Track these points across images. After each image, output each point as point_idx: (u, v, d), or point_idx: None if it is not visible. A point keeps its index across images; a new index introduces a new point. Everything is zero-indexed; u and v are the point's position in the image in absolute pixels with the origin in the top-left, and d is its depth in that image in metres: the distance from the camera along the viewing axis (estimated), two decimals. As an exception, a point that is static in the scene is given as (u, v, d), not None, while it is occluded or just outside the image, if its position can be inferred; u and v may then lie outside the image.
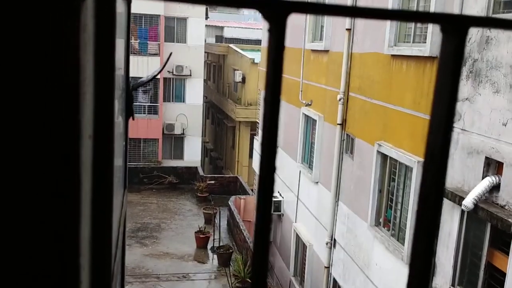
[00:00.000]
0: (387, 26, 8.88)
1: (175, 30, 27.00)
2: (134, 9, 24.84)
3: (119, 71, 1.60)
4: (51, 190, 0.55)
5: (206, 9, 27.92)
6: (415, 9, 8.37)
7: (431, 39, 7.56)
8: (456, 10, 6.99)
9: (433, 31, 7.54)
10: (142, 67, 25.39)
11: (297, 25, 13.79)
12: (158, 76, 25.93)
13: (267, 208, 0.44)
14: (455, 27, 0.45)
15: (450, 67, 0.45)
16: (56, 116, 0.53)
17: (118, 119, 1.47)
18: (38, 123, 0.52)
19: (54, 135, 0.53)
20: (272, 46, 0.40)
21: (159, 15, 26.06)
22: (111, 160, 0.87)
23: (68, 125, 0.53)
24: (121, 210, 1.61)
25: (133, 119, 1.89)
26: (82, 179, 0.59)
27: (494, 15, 6.44)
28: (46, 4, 0.49)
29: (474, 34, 6.66)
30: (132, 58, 26.88)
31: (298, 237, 13.61)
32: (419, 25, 8.31)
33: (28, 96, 0.51)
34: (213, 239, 17.94)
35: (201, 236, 18.15)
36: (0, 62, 0.50)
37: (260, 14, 0.40)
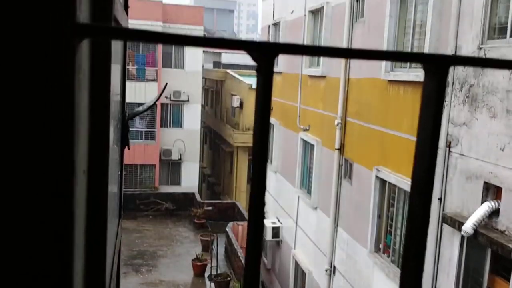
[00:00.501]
0: (383, 52, 8.95)
1: (172, 56, 27.23)
2: (132, 36, 25.05)
3: (115, 102, 1.58)
4: (44, 225, 0.55)
5: (204, 35, 28.20)
6: (410, 35, 8.45)
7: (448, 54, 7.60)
8: (451, 37, 7.06)
9: (429, 57, 7.60)
10: (140, 92, 25.50)
11: (294, 51, 13.91)
12: (156, 102, 26.01)
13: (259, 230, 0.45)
14: (436, 67, 0.47)
15: (432, 104, 0.48)
16: (50, 154, 0.54)
17: (114, 149, 1.45)
18: (32, 160, 0.53)
19: (48, 172, 0.54)
20: (260, 84, 0.42)
21: (157, 42, 26.29)
22: (105, 194, 0.86)
23: (62, 162, 0.54)
24: (115, 240, 1.58)
25: (128, 148, 1.86)
26: (76, 215, 0.59)
27: (489, 41, 6.50)
28: (43, 45, 0.50)
29: (470, 59, 6.70)
30: (129, 84, 27.12)
31: (297, 264, 13.44)
32: (415, 50, 8.39)
33: (23, 135, 0.53)
34: (211, 267, 17.70)
35: (198, 263, 17.91)
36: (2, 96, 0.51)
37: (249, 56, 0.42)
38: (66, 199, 0.55)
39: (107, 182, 0.89)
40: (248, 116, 26.22)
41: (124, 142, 1.79)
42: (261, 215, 0.45)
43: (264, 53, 0.41)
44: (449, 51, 7.12)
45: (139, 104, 25.03)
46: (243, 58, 39.91)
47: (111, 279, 1.32)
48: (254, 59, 0.41)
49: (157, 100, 2.90)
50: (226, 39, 0.41)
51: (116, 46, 1.51)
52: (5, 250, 0.55)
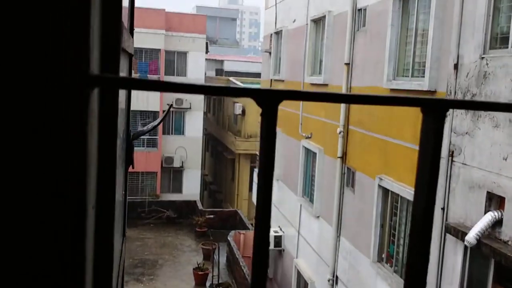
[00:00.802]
0: (386, 61, 8.96)
1: (175, 64, 27.31)
2: (135, 43, 25.20)
3: (121, 122, 1.58)
4: (57, 261, 0.57)
5: (206, 43, 28.33)
6: (412, 44, 8.46)
7: (430, 74, 7.61)
8: (453, 46, 7.05)
9: (431, 66, 7.60)
10: (142, 100, 25.56)
11: (296, 58, 13.95)
12: (158, 109, 26.07)
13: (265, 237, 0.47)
14: (434, 110, 0.49)
15: (431, 144, 0.49)
16: (65, 193, 0.56)
17: (119, 172, 1.46)
18: (50, 201, 0.56)
19: (60, 209, 0.56)
20: (264, 128, 0.44)
21: (160, 49, 26.41)
22: (111, 227, 0.88)
23: (75, 200, 0.57)
24: (119, 260, 1.57)
25: (133, 167, 1.85)
26: (87, 251, 0.61)
27: (491, 50, 6.49)
28: (57, 93, 0.53)
29: (472, 69, 6.70)
30: (132, 92, 27.17)
31: (299, 274, 13.38)
32: (417, 59, 8.39)
33: (38, 176, 0.55)
34: (212, 276, 17.63)
35: (200, 272, 17.85)
36: (13, 143, 0.54)
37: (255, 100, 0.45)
38: (79, 237, 0.57)
39: (113, 214, 0.91)
40: (250, 124, 26.25)
41: (128, 161, 1.79)
42: (267, 236, 0.45)
43: (269, 100, 0.43)
44: (450, 60, 7.12)
45: (141, 112, 25.13)
46: (245, 65, 40.01)
47: None
48: (259, 104, 0.43)
49: (161, 121, 2.91)
50: (234, 88, 0.44)
51: (124, 63, 1.51)
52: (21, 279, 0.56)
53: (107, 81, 0.56)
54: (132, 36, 1.89)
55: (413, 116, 8.15)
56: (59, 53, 0.53)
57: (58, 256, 0.57)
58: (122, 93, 1.58)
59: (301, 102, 13.38)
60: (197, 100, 27.75)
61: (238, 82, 28.96)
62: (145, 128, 2.71)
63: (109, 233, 0.89)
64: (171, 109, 27.07)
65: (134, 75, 26.17)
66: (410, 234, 0.52)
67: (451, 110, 7.14)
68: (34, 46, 0.52)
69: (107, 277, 0.89)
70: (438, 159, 0.50)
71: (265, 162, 0.43)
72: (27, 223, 0.55)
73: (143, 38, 25.49)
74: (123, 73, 1.56)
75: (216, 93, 0.43)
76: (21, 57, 0.52)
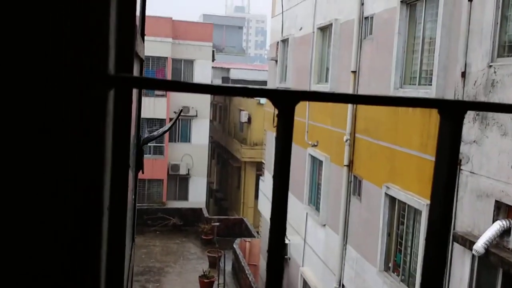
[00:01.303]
0: (393, 69, 8.95)
1: (182, 72, 27.43)
2: (142, 52, 25.32)
3: (132, 128, 1.60)
4: (79, 266, 0.58)
5: (213, 51, 28.45)
6: (419, 52, 8.45)
7: (437, 82, 7.59)
8: (460, 54, 7.04)
9: (438, 74, 7.58)
10: (149, 108, 25.65)
11: (303, 66, 13.96)
12: (165, 117, 26.15)
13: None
14: (452, 111, 0.48)
15: (448, 147, 0.49)
16: (82, 194, 0.57)
17: (130, 175, 1.48)
18: (68, 200, 0.56)
19: (78, 209, 0.57)
20: (281, 129, 0.45)
21: (167, 57, 26.54)
22: (123, 228, 0.89)
23: (93, 202, 0.58)
24: (129, 265, 1.57)
25: (142, 172, 1.86)
26: (102, 249, 0.63)
27: (499, 59, 6.47)
28: (77, 93, 0.54)
29: (480, 77, 6.68)
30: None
31: (305, 282, 13.31)
32: (424, 67, 8.38)
33: (55, 176, 0.56)
34: (218, 284, 17.57)
35: (205, 280, 17.79)
36: (34, 143, 0.55)
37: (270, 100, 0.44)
38: (96, 238, 0.58)
39: (126, 217, 0.92)
40: (256, 131, 26.25)
41: (138, 166, 1.80)
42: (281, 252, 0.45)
43: (286, 100, 0.43)
44: (458, 69, 7.10)
45: (148, 120, 25.21)
46: (251, 73, 40.12)
47: None
48: (275, 106, 0.43)
49: (172, 126, 2.92)
50: (250, 88, 0.43)
51: (137, 67, 1.52)
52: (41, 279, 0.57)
53: (125, 81, 0.57)
54: (143, 42, 1.92)
55: (420, 124, 8.12)
56: (79, 53, 0.54)
57: (75, 256, 0.57)
58: (133, 99, 1.60)
59: (307, 110, 13.38)
60: (204, 108, 27.83)
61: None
62: (155, 133, 2.72)
63: (122, 235, 0.89)
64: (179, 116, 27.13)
65: (141, 82, 26.28)
66: (426, 239, 0.51)
67: (458, 118, 7.13)
68: (54, 46, 0.53)
69: (119, 280, 0.89)
70: (456, 161, 0.49)
71: (281, 164, 0.42)
72: (44, 225, 0.56)
73: (150, 46, 25.63)
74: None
75: (231, 93, 0.43)
76: (40, 58, 0.53)
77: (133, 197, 1.84)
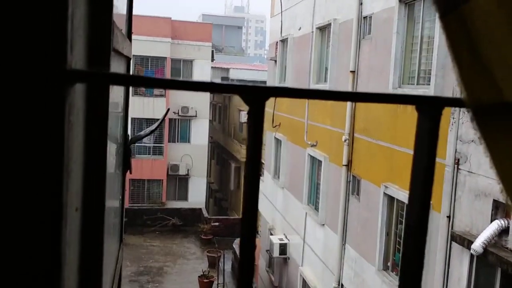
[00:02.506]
0: (391, 68, 8.95)
1: (181, 72, 27.42)
2: (141, 51, 25.38)
3: (116, 126, 1.58)
4: (31, 262, 0.56)
5: (212, 51, 28.45)
6: (418, 52, 8.45)
7: (435, 81, 7.59)
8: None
9: (436, 73, 7.59)
10: (148, 108, 25.65)
11: (302, 66, 13.97)
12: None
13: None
14: (429, 108, 0.49)
15: (426, 143, 0.49)
16: (40, 193, 0.55)
17: (114, 176, 1.46)
18: (20, 197, 0.55)
19: (36, 208, 0.55)
20: (251, 125, 0.43)
21: (166, 58, 26.54)
22: (101, 230, 0.87)
23: (50, 199, 0.56)
24: (115, 266, 1.56)
25: (130, 172, 1.86)
26: (66, 251, 0.61)
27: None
28: (34, 92, 0.53)
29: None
30: (138, 100, 27.13)
31: (304, 282, 13.31)
32: (423, 67, 8.38)
33: (12, 174, 0.54)
34: (217, 284, 17.58)
35: (205, 280, 17.80)
36: None
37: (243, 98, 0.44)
38: (55, 239, 0.56)
39: (103, 216, 0.91)
40: (256, 132, 26.25)
41: (126, 166, 1.79)
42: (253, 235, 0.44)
43: (256, 97, 0.43)
44: (456, 68, 7.10)
45: (147, 120, 25.21)
46: (251, 73, 40.15)
47: None
48: (246, 102, 0.42)
49: (158, 125, 2.91)
50: (220, 84, 0.43)
51: (120, 65, 1.51)
52: None
53: (87, 77, 0.55)
54: (130, 41, 1.91)
55: (419, 123, 8.11)
56: (32, 46, 0.52)
57: (33, 257, 0.56)
58: (118, 96, 1.59)
59: (306, 110, 13.39)
60: (203, 108, 27.83)
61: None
62: (142, 132, 2.72)
63: (99, 236, 0.88)
64: (177, 117, 27.16)
65: (140, 83, 26.28)
66: (404, 236, 0.51)
67: (456, 117, 7.09)
68: (5, 40, 0.52)
69: (96, 281, 0.88)
70: (434, 158, 0.49)
71: (252, 162, 0.42)
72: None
73: (149, 46, 25.64)
74: (121, 71, 1.55)
75: (201, 89, 0.42)
76: None
77: (121, 197, 1.83)
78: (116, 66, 1.41)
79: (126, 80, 0.41)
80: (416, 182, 0.49)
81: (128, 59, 1.81)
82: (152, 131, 2.70)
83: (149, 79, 0.42)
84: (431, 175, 0.49)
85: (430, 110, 0.49)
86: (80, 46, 0.69)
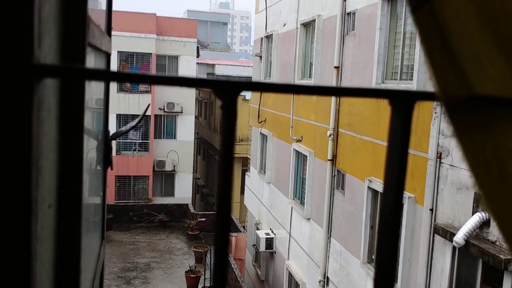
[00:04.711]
0: (375, 64, 9.05)
1: (166, 68, 27.28)
2: (126, 48, 25.20)
3: (97, 121, 1.60)
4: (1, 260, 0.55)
5: (197, 47, 28.34)
6: (401, 47, 8.55)
7: (418, 76, 7.70)
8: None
9: (419, 69, 7.69)
10: (134, 104, 25.50)
11: (287, 62, 14.02)
12: (150, 113, 26.02)
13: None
14: (402, 102, 0.48)
15: (399, 137, 0.48)
16: (5, 192, 0.54)
17: (93, 172, 1.47)
18: None
19: (3, 210, 0.54)
20: (224, 119, 0.44)
21: (151, 53, 26.39)
22: (77, 226, 0.87)
23: (18, 202, 0.54)
24: (96, 263, 1.58)
25: (111, 169, 1.88)
26: (38, 251, 0.59)
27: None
28: None
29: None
30: (123, 96, 26.85)
31: (290, 275, 13.41)
32: (405, 62, 8.49)
33: None
34: (204, 279, 17.62)
35: (192, 275, 17.82)
36: None
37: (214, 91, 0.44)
38: (24, 235, 0.55)
39: (80, 213, 0.89)
40: (241, 127, 26.24)
41: (107, 162, 1.80)
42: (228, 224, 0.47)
43: (228, 91, 0.43)
44: (438, 63, 7.21)
45: (133, 116, 25.05)
46: (236, 69, 40.09)
47: None
48: (218, 96, 0.43)
49: (139, 121, 2.93)
50: (192, 79, 0.43)
51: (98, 61, 1.53)
52: None
53: (54, 71, 0.53)
54: (110, 37, 1.89)
55: (402, 118, 8.22)
56: None
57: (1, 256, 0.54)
58: (97, 92, 1.60)
59: (291, 106, 13.46)
60: (189, 104, 27.74)
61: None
62: (123, 128, 2.74)
63: (75, 233, 0.87)
64: (163, 113, 27.04)
65: (125, 79, 26.10)
66: (378, 231, 0.51)
67: (438, 112, 7.20)
68: None
69: (74, 278, 0.87)
70: (406, 153, 0.49)
71: (225, 156, 0.43)
72: None
73: (134, 42, 25.47)
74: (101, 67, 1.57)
75: (173, 84, 0.43)
76: None
77: (102, 193, 1.83)
78: (94, 62, 1.41)
79: (96, 75, 0.42)
80: (390, 174, 0.49)
81: (107, 55, 1.82)
82: (132, 127, 2.71)
83: (120, 74, 0.42)
84: (403, 167, 0.49)
85: (402, 104, 0.48)
86: (50, 40, 0.67)
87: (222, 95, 0.43)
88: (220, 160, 0.45)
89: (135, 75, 0.43)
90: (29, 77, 0.52)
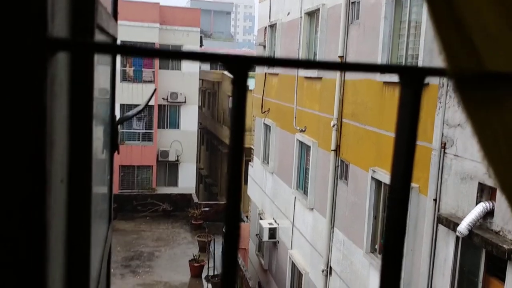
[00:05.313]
0: (379, 53, 8.99)
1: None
2: (129, 37, 25.11)
3: (104, 105, 1.60)
4: (16, 232, 0.56)
5: (201, 37, 28.25)
6: (405, 37, 8.50)
7: (423, 65, 7.63)
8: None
9: (424, 58, 7.64)
10: (137, 94, 25.50)
11: (291, 51, 13.96)
12: (153, 103, 26.01)
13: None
14: (412, 78, 0.47)
15: (408, 116, 0.48)
16: (20, 166, 0.55)
17: (101, 154, 1.47)
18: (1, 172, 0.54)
19: (18, 185, 0.55)
20: (235, 94, 0.44)
21: (154, 43, 26.32)
22: (88, 202, 0.88)
23: (33, 171, 0.55)
24: (104, 245, 1.59)
25: (118, 153, 1.88)
26: (51, 223, 0.60)
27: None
28: (12, 57, 0.52)
29: (464, 61, 6.74)
30: (127, 86, 26.85)
31: (293, 265, 13.47)
32: (410, 51, 8.43)
33: None
34: (208, 268, 17.72)
35: (196, 264, 17.92)
36: None
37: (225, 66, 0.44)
38: (39, 205, 0.56)
39: (90, 190, 0.90)
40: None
41: (113, 146, 1.81)
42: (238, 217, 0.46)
43: (240, 65, 0.43)
44: (443, 52, 7.16)
45: (136, 106, 25.05)
46: (240, 59, 39.91)
47: (98, 284, 1.33)
48: (229, 71, 0.43)
49: (146, 105, 2.92)
50: (202, 53, 0.43)
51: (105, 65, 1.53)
52: None
53: (68, 45, 0.54)
54: (116, 21, 1.89)
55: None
56: (12, 14, 0.52)
57: (17, 222, 0.55)
58: (105, 74, 1.59)
59: (295, 96, 13.42)
60: (192, 94, 27.72)
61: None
62: (129, 112, 2.75)
63: (85, 208, 0.88)
64: (166, 103, 27.03)
65: (129, 68, 26.09)
66: (387, 213, 0.51)
67: (443, 102, 7.17)
68: None
69: (84, 250, 0.88)
70: (416, 130, 0.48)
71: (236, 131, 0.43)
72: None
73: (138, 32, 25.40)
74: (105, 55, 1.57)
75: (183, 58, 0.43)
76: None
77: (109, 177, 1.84)
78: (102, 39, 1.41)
79: (107, 49, 0.42)
80: (399, 155, 0.49)
81: (114, 39, 1.82)
82: (139, 111, 2.72)
83: (132, 48, 0.42)
84: (413, 146, 0.49)
85: (412, 80, 0.48)
86: (62, 18, 0.68)
87: (233, 69, 0.43)
88: (231, 134, 0.45)
89: (144, 49, 0.44)
90: (44, 50, 0.53)
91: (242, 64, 0.43)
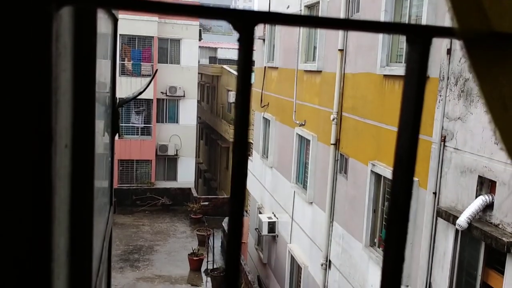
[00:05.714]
0: (379, 47, 8.97)
1: (168, 51, 27.15)
2: (128, 31, 25.04)
3: (105, 86, 1.59)
4: (21, 195, 0.55)
5: (200, 30, 28.15)
6: (407, 16, 8.46)
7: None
8: (447, 17, 7.06)
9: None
10: (136, 88, 25.40)
11: (290, 46, 13.92)
12: (152, 97, 25.95)
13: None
14: (419, 37, 0.47)
15: (415, 75, 0.47)
16: (26, 122, 0.54)
17: (104, 136, 1.46)
18: (6, 127, 0.54)
19: (24, 141, 0.55)
20: (241, 53, 0.43)
21: (153, 37, 26.24)
22: (91, 169, 0.87)
23: (39, 132, 0.55)
24: (106, 226, 1.59)
25: (119, 136, 1.87)
26: (56, 185, 0.60)
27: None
28: (16, 13, 0.52)
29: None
30: (125, 79, 26.81)
31: (293, 259, 13.49)
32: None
33: None
34: (207, 261, 17.75)
35: (195, 258, 17.95)
36: None
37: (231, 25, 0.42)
38: (45, 167, 0.55)
39: (93, 156, 0.90)
40: (244, 112, 26.21)
41: (114, 128, 1.80)
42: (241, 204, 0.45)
43: (246, 21, 0.42)
44: (444, 46, 7.15)
45: (136, 100, 24.97)
46: (239, 53, 39.82)
47: (100, 262, 1.33)
48: (235, 28, 0.41)
49: (147, 86, 2.91)
50: (207, 8, 0.41)
51: (107, 24, 1.52)
52: None
53: None
54: None
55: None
56: None
57: (21, 179, 0.55)
58: (105, 66, 1.58)
59: (295, 90, 13.39)
60: (191, 88, 27.66)
61: (231, 70, 28.86)
62: (130, 94, 2.74)
63: (89, 172, 0.87)
64: (165, 97, 26.98)
65: (128, 63, 26.01)
66: (392, 183, 0.50)
67: (443, 95, 7.15)
68: None
69: (87, 212, 0.88)
70: (423, 89, 0.48)
71: (243, 90, 0.41)
72: None
73: (136, 25, 25.30)
74: (107, 34, 1.56)
75: (187, 14, 0.41)
76: None
77: (110, 158, 1.83)
78: (105, 26, 1.40)
79: (110, 2, 0.41)
80: (406, 114, 0.48)
81: (115, 20, 1.81)
82: (140, 93, 2.71)
83: (135, 1, 0.41)
84: (420, 106, 0.48)
85: (420, 38, 0.47)
86: None
87: (239, 26, 0.42)
88: (237, 94, 0.43)
89: (147, 2, 0.42)
90: (49, 3, 0.52)
91: (248, 20, 0.42)
